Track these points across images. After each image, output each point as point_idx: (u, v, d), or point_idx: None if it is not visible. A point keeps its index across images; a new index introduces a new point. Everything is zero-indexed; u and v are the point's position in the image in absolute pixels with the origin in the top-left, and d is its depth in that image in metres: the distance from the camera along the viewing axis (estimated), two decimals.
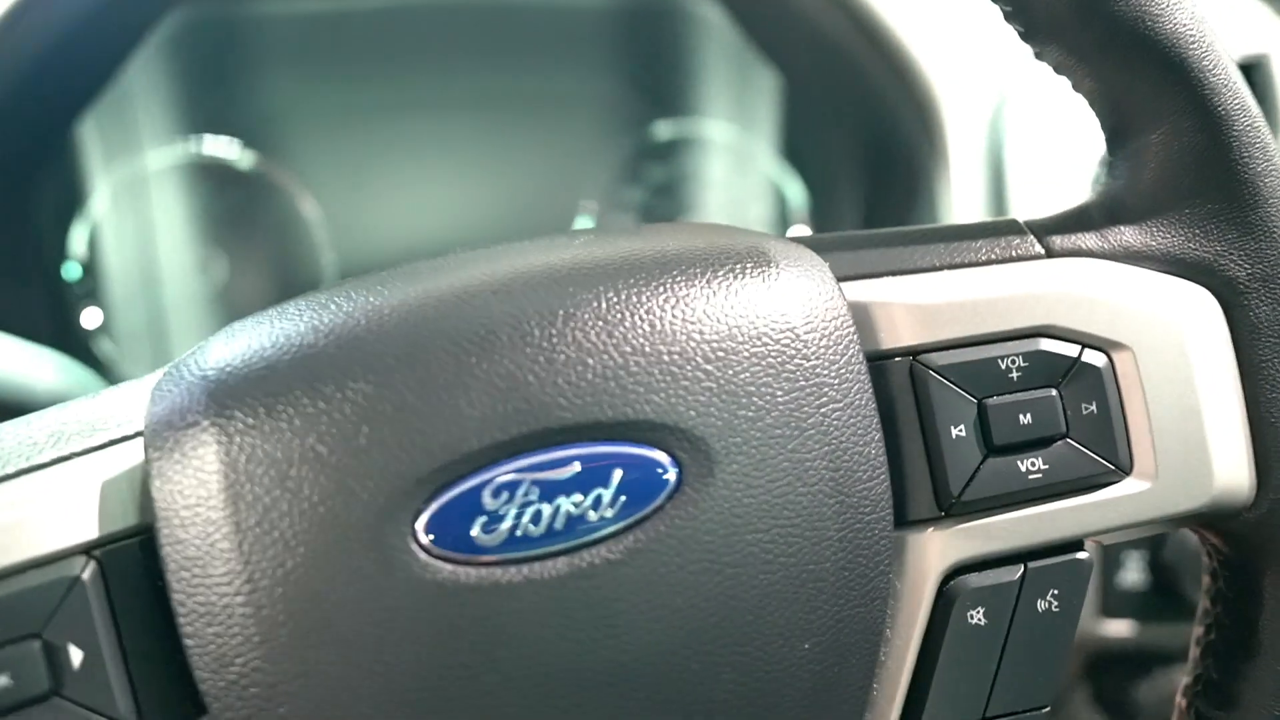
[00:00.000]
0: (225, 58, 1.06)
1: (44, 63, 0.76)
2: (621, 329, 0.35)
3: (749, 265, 0.37)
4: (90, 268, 1.09)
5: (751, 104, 1.15)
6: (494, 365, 0.34)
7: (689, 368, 0.35)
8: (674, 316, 0.35)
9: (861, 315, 0.38)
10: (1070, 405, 0.38)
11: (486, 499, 0.33)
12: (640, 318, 0.35)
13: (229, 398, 0.34)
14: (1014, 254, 0.41)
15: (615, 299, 0.35)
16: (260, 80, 1.10)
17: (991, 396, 0.38)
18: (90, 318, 1.08)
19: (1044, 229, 0.42)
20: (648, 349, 0.34)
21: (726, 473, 0.34)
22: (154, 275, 1.09)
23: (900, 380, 0.38)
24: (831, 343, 0.36)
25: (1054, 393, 0.38)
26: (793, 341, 0.36)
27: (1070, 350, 0.39)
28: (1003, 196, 0.78)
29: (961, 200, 0.80)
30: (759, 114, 1.16)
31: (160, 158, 1.09)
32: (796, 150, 1.16)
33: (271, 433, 0.33)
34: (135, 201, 1.09)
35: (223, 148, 1.10)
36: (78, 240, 1.08)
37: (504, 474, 0.33)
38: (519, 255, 0.38)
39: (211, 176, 1.11)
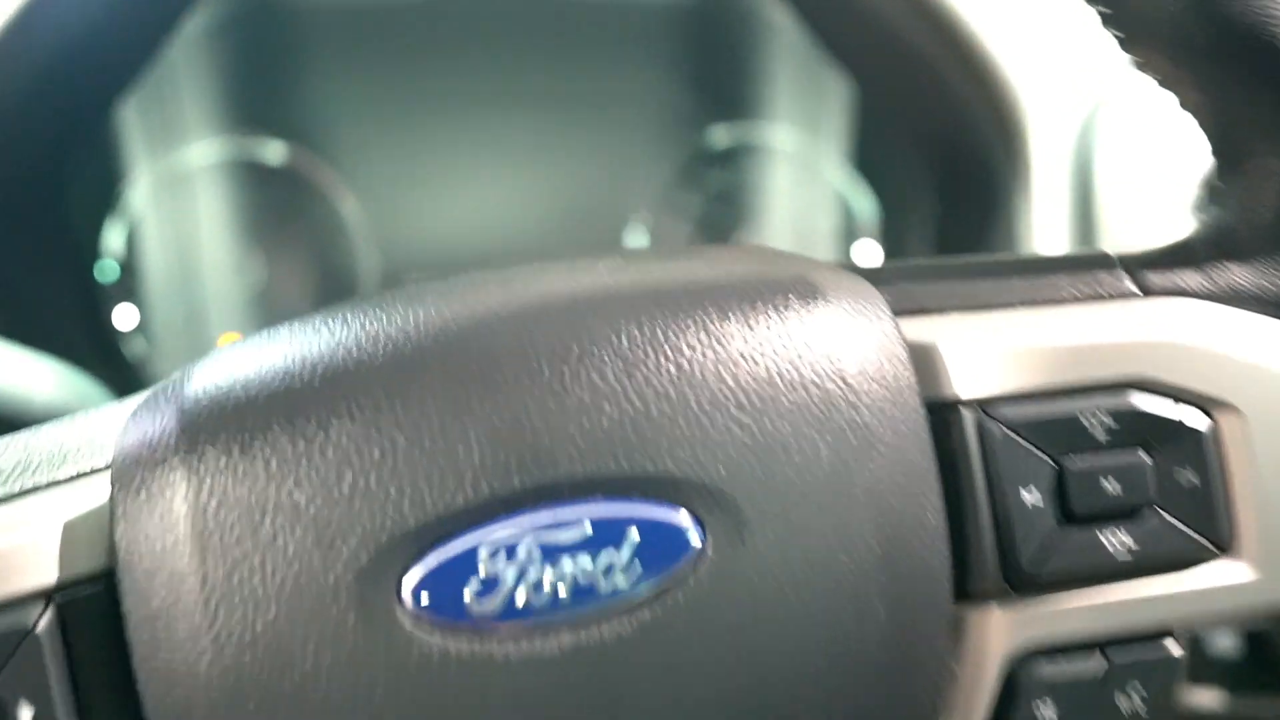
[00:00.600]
0: (268, 49, 1.05)
1: (76, 46, 0.75)
2: (644, 370, 0.31)
3: (793, 298, 0.33)
4: (126, 265, 1.08)
5: (819, 109, 1.11)
6: (496, 406, 0.30)
7: (719, 416, 0.31)
8: (704, 357, 0.31)
9: (923, 358, 0.34)
10: (1164, 471, 0.34)
11: (482, 560, 0.30)
12: (666, 357, 0.31)
13: (203, 433, 0.31)
14: (1103, 292, 0.36)
15: (639, 335, 0.32)
16: (303, 74, 1.09)
17: (1072, 457, 0.34)
18: (124, 317, 1.07)
19: (1139, 264, 0.37)
20: (673, 394, 0.31)
21: (759, 538, 0.31)
22: (191, 274, 1.09)
23: (966, 434, 0.34)
24: (886, 390, 0.32)
25: (1145, 456, 0.34)
26: (841, 388, 0.32)
27: (1167, 408, 0.34)
28: (1090, 220, 0.73)
29: (1043, 221, 0.75)
30: (826, 120, 1.12)
31: (200, 153, 1.08)
32: (866, 160, 1.12)
33: (245, 475, 0.30)
34: (174, 198, 1.08)
35: (264, 144, 1.09)
36: (113, 237, 1.07)
37: (503, 532, 0.30)
38: (537, 280, 0.35)
39: (252, 174, 1.10)
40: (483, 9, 1.01)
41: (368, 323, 0.33)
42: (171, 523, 0.30)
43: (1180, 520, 0.34)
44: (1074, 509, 0.34)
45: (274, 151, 1.10)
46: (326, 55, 1.08)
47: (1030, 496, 0.34)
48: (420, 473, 0.30)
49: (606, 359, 0.31)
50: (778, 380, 0.31)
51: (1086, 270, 0.37)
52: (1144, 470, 0.34)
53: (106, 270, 1.07)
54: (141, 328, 1.08)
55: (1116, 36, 0.37)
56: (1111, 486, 0.34)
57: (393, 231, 1.12)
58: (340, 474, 0.30)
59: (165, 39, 0.80)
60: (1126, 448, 0.34)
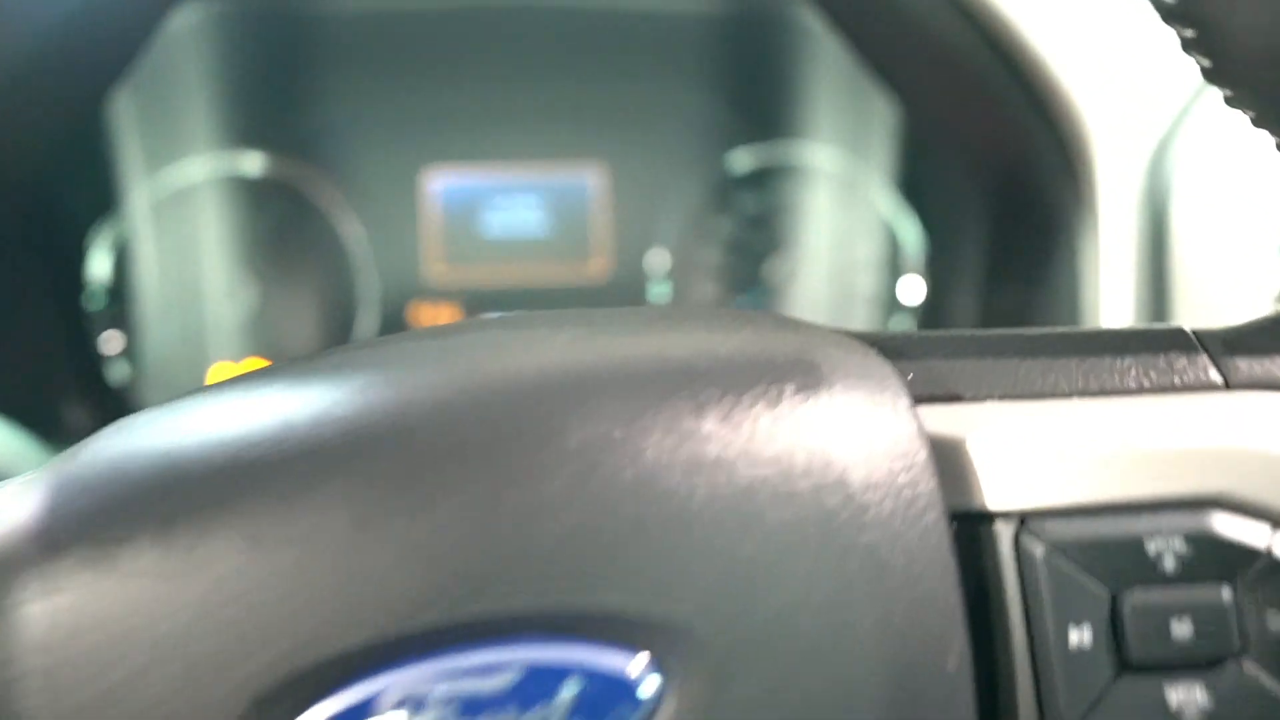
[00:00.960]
0: (269, 60, 1.01)
1: (54, 49, 0.72)
2: (597, 476, 0.26)
3: (788, 385, 0.27)
4: (114, 288, 1.05)
5: (864, 129, 1.05)
6: (413, 519, 0.25)
7: (687, 537, 0.25)
8: (673, 460, 0.26)
9: (949, 458, 0.29)
10: (1251, 613, 0.28)
11: (383, 712, 0.24)
12: (623, 461, 0.26)
13: (66, 534, 0.26)
14: (1178, 381, 0.30)
15: (593, 431, 0.26)
16: (307, 86, 1.05)
17: (1133, 590, 0.28)
18: (110, 342, 1.04)
19: (1223, 345, 0.31)
20: (629, 507, 0.25)
21: (734, 691, 0.25)
22: (183, 296, 1.05)
23: (1000, 554, 0.28)
24: (900, 502, 0.26)
25: (1228, 593, 0.28)
26: (842, 500, 0.26)
27: (1256, 533, 0.28)
28: (1163, 265, 0.65)
29: (1110, 262, 0.68)
30: (872, 141, 1.05)
31: (193, 169, 1.05)
32: (915, 185, 1.05)
33: (105, 595, 0.25)
34: (165, 216, 1.05)
35: (261, 159, 1.06)
36: (100, 260, 1.04)
37: (412, 677, 0.25)
38: (480, 351, 0.29)
39: (248, 190, 1.07)
40: (501, 21, 0.97)
41: (275, 400, 0.28)
42: (19, 650, 0.25)
43: (1271, 675, 0.28)
44: (1133, 655, 0.27)
45: (271, 167, 1.06)
46: (334, 67, 1.04)
47: (1079, 637, 0.28)
48: (315, 600, 0.25)
49: (552, 459, 0.26)
50: (762, 490, 0.26)
51: (1158, 351, 0.31)
52: (1225, 611, 0.27)
53: (92, 295, 1.03)
54: (128, 354, 1.05)
55: (1201, 65, 0.30)
56: (1183, 629, 0.27)
57: (394, 251, 1.08)
58: (220, 598, 0.25)
59: (146, 40, 0.76)
60: (1203, 581, 0.28)
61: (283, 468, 0.26)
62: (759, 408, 0.27)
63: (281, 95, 1.06)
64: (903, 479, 0.27)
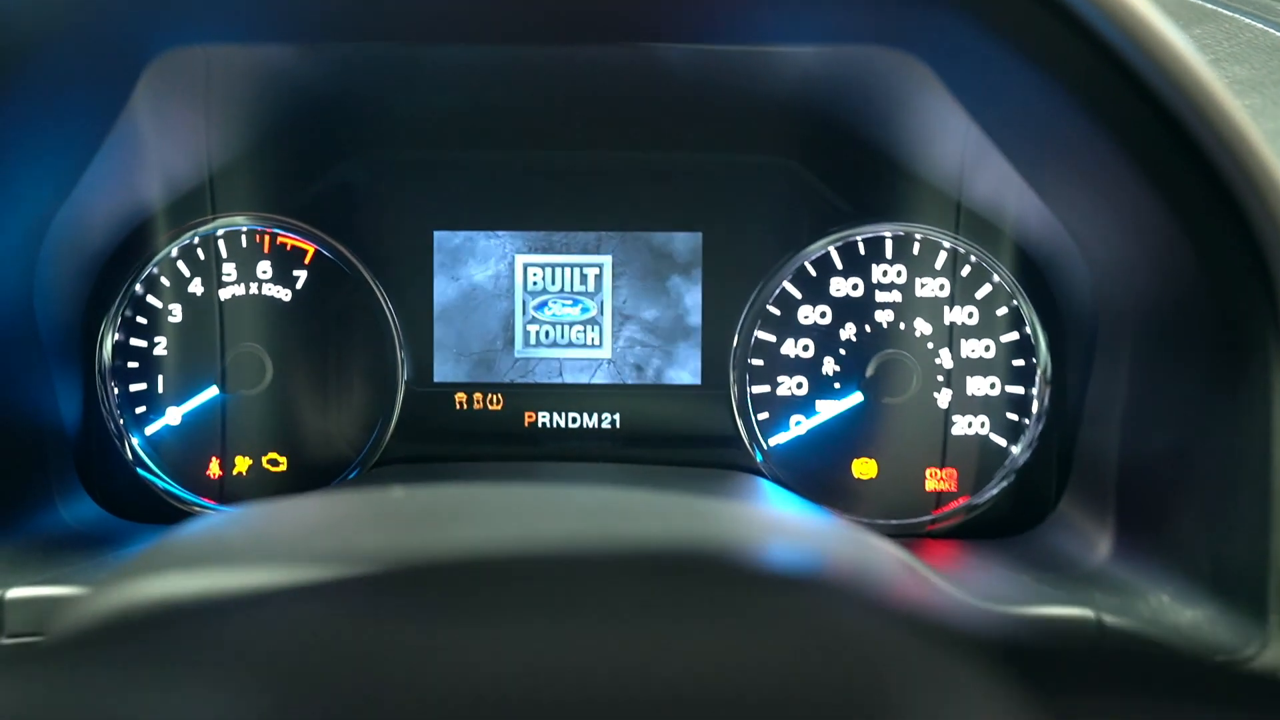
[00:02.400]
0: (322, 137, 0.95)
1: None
2: None
3: None
4: (134, 350, 0.98)
5: (985, 215, 0.93)
6: None
7: None
8: None
9: None
10: None
11: None
12: None
13: None
14: None
15: None
16: (332, 149, 0.98)
17: None
18: (137, 411, 0.97)
19: None
20: None
21: None
22: (206, 362, 0.97)
23: None
24: None
25: None
26: None
27: None
28: None
29: None
30: (990, 226, 0.93)
31: (223, 232, 0.98)
32: (1045, 285, 0.92)
33: None
34: (191, 279, 0.98)
35: (291, 228, 0.98)
36: (120, 320, 0.97)
37: None
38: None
39: (280, 260, 0.99)
40: (567, 108, 0.88)
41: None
42: None
43: None
44: None
45: (301, 235, 0.98)
46: (365, 125, 0.96)
47: None
48: None
49: None
50: None
51: None
52: None
53: (110, 353, 0.96)
54: (143, 418, 0.97)
55: None
56: None
57: (422, 325, 0.99)
58: None
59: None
60: None
61: None
62: None
63: (315, 157, 0.98)
64: None
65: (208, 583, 0.34)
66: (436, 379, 1.00)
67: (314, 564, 0.33)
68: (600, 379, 1.00)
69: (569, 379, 1.00)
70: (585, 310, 1.00)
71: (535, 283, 1.00)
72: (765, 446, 0.98)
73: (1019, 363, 0.96)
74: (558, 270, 1.00)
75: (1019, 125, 0.72)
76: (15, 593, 0.69)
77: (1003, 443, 0.97)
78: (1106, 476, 0.80)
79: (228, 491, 0.99)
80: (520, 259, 1.00)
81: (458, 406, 1.00)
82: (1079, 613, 0.65)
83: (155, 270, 0.97)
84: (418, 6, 0.63)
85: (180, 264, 0.98)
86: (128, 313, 0.97)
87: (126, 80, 0.72)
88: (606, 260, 1.00)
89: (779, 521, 0.51)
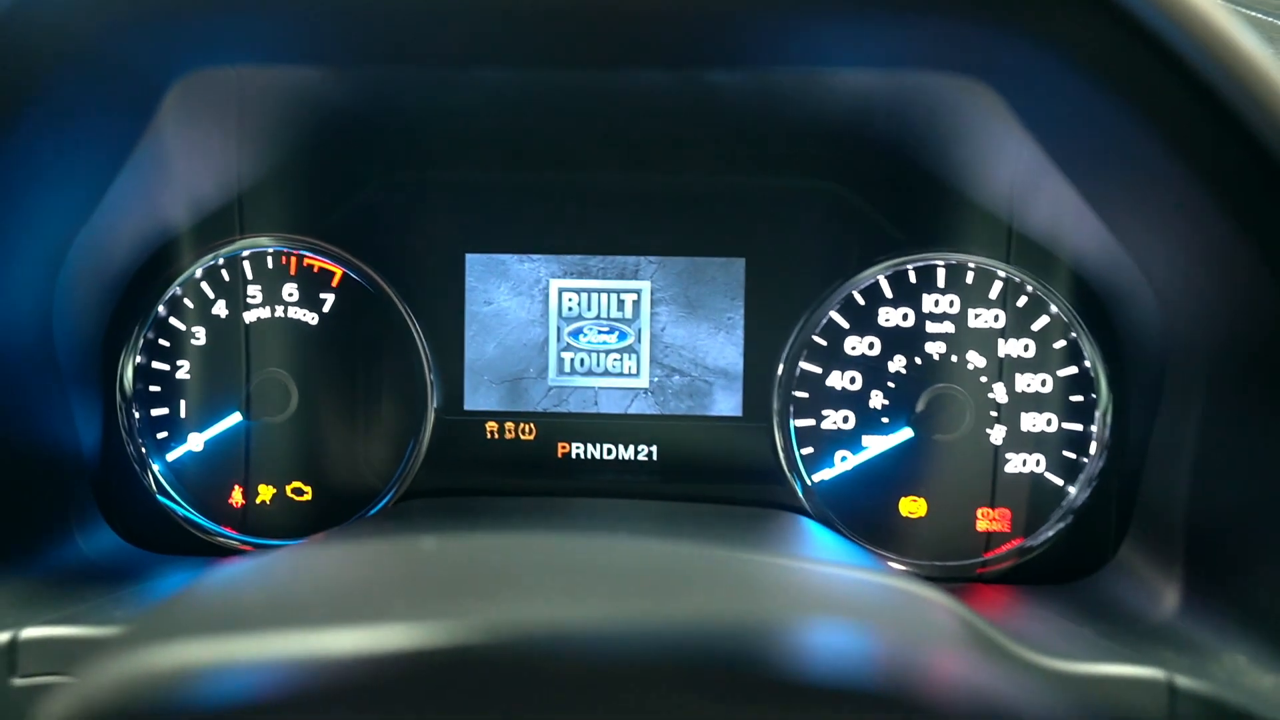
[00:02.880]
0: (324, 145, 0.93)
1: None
2: None
3: None
4: (155, 373, 0.96)
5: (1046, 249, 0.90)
6: None
7: None
8: None
9: None
10: None
11: None
12: None
13: None
14: None
15: None
16: (362, 169, 0.96)
17: None
18: (158, 436, 0.96)
19: None
20: None
21: None
22: (229, 386, 0.96)
23: None
24: None
25: None
26: None
27: None
28: None
29: None
30: (1050, 263, 0.90)
31: (248, 253, 0.96)
32: (1105, 318, 0.89)
33: None
34: (215, 300, 0.96)
35: (318, 250, 0.96)
36: (142, 342, 0.95)
37: None
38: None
39: (306, 282, 0.97)
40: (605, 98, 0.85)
41: None
42: None
43: None
44: None
45: (327, 258, 0.96)
46: (395, 151, 0.94)
47: None
48: None
49: None
50: None
51: None
52: None
53: (133, 377, 0.95)
54: (165, 445, 0.96)
55: None
56: None
57: (454, 350, 0.97)
58: None
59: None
60: None
61: None
62: None
63: (343, 178, 0.97)
64: None
65: (222, 660, 0.32)
66: (467, 407, 0.98)
67: (339, 654, 0.30)
68: (637, 409, 0.97)
69: (604, 409, 0.97)
70: (622, 337, 0.97)
71: (570, 308, 0.98)
72: (809, 482, 0.95)
73: (1077, 398, 0.93)
74: (594, 296, 0.97)
75: (1091, 153, 0.69)
76: (30, 633, 0.67)
77: (1059, 482, 0.93)
78: (1173, 522, 0.77)
79: (250, 521, 0.97)
80: (555, 283, 0.97)
81: (489, 436, 0.97)
82: (1149, 673, 0.62)
83: (178, 291, 0.96)
84: (460, 32, 0.61)
85: (204, 285, 0.96)
86: (150, 335, 0.96)
87: (147, 103, 0.71)
88: (645, 286, 0.97)
89: (830, 592, 0.48)
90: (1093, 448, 0.92)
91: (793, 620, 0.36)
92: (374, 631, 0.32)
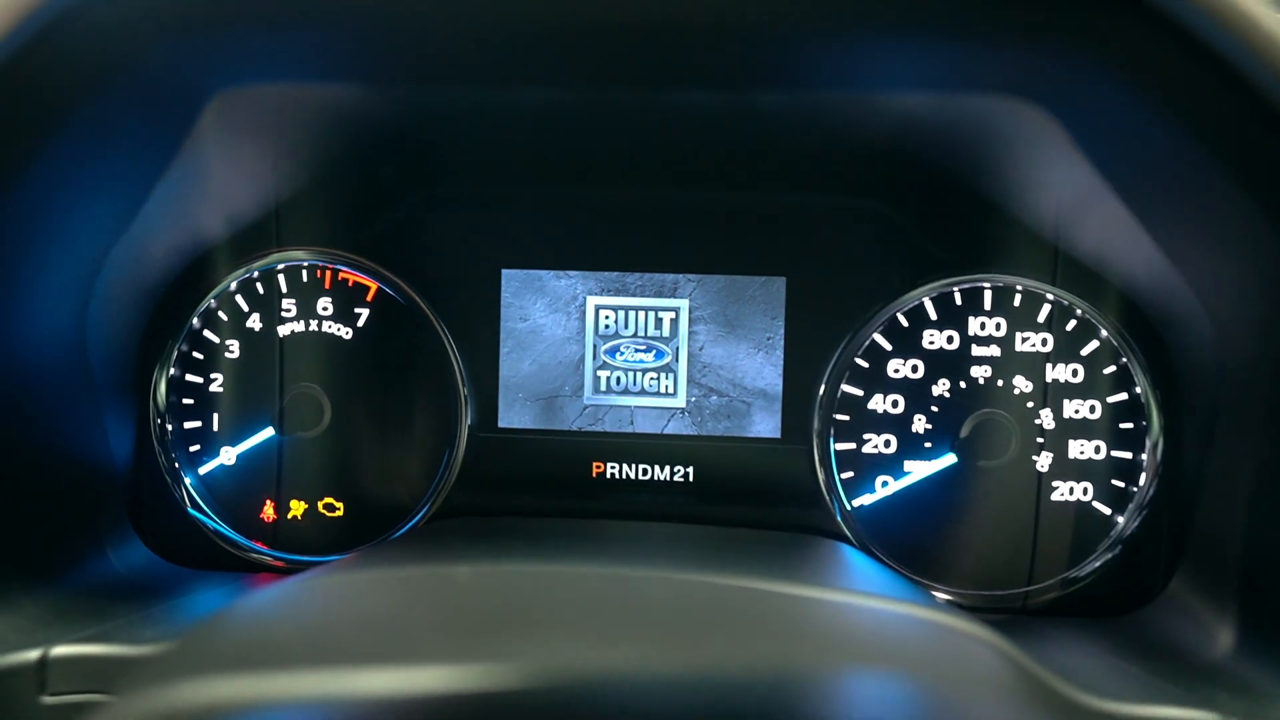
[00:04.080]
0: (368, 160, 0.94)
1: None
2: None
3: None
4: (189, 386, 0.97)
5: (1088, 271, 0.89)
6: None
7: None
8: None
9: None
10: None
11: None
12: None
13: None
14: None
15: None
16: (399, 183, 0.96)
17: None
18: (190, 449, 0.97)
19: None
20: None
21: None
22: (263, 400, 0.97)
23: None
24: None
25: None
26: None
27: None
28: None
29: None
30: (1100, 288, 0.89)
31: (283, 267, 0.97)
32: (1158, 346, 0.88)
33: None
34: (249, 314, 0.97)
35: (353, 264, 0.97)
36: (176, 354, 0.97)
37: None
38: None
39: (341, 297, 0.98)
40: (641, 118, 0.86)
41: None
42: None
43: None
44: None
45: (363, 274, 0.97)
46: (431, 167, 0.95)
47: None
48: None
49: None
50: None
51: None
52: None
53: (162, 390, 0.96)
54: (195, 459, 0.96)
55: None
56: None
57: (487, 367, 0.97)
58: None
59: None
60: None
61: None
62: None
63: (379, 197, 0.97)
64: None
65: (255, 698, 0.32)
66: (501, 424, 0.98)
67: (373, 694, 0.30)
68: (673, 429, 0.97)
69: (640, 428, 0.97)
70: (660, 356, 0.97)
71: (607, 326, 0.98)
72: (848, 507, 0.94)
73: (1127, 426, 0.92)
74: (631, 313, 0.97)
75: (1146, 174, 0.68)
76: (60, 651, 0.68)
77: (1107, 511, 0.92)
78: (1228, 557, 0.75)
79: (282, 536, 0.97)
80: (592, 300, 0.97)
81: (523, 454, 0.97)
82: (1201, 716, 0.61)
83: (213, 304, 0.97)
84: (506, 54, 0.61)
85: (239, 298, 0.97)
86: (184, 347, 0.97)
87: (186, 117, 0.72)
88: (683, 304, 0.97)
89: (873, 633, 0.48)
90: (1143, 476, 0.91)
91: (835, 672, 0.36)
92: (408, 673, 0.32)
